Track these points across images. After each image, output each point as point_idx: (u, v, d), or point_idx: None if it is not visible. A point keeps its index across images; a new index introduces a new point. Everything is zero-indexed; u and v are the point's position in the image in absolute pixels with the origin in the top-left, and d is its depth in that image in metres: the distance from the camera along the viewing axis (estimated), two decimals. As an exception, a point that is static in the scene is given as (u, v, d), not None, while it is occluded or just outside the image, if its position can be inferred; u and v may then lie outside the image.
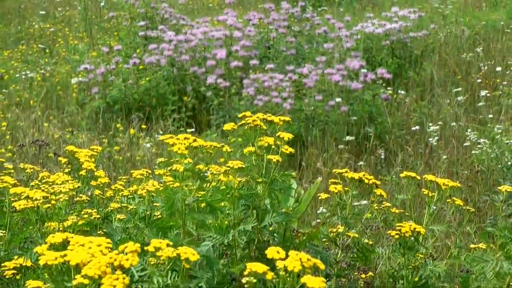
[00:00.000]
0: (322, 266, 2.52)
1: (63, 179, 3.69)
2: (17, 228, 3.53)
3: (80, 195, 3.69)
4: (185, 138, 3.12)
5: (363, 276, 3.67)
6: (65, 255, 2.48)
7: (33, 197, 3.31)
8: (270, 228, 3.33)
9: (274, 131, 3.34)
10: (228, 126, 3.45)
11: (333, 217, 3.48)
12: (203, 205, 3.22)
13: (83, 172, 3.80)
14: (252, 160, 3.24)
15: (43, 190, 3.50)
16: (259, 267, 2.49)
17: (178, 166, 3.09)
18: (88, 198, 3.73)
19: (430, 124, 8.52)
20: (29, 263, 3.05)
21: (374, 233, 5.01)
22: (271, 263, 2.52)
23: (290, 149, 3.34)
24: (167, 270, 2.58)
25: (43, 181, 3.86)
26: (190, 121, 9.18)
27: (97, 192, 3.85)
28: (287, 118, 3.39)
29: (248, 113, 3.32)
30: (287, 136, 3.30)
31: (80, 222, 3.42)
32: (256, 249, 3.25)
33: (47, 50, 12.78)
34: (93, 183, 3.83)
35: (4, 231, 3.46)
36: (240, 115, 3.33)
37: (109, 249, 2.55)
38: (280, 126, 3.34)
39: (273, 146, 3.27)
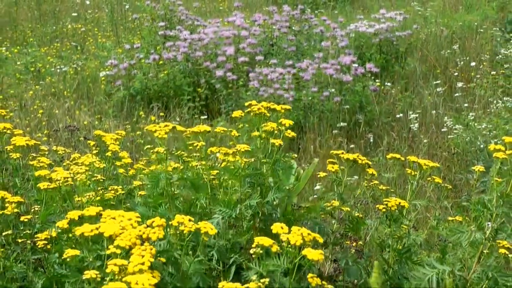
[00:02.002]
0: (320, 240, 2.51)
1: (91, 160, 3.68)
2: (51, 203, 3.52)
3: (96, 175, 3.67)
4: (165, 126, 3.12)
5: (354, 244, 3.66)
6: (99, 227, 2.47)
7: (55, 178, 3.29)
8: (275, 203, 3.32)
9: (277, 118, 3.33)
10: (236, 114, 3.44)
11: (329, 193, 3.48)
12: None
13: (109, 154, 3.80)
14: (257, 143, 3.23)
15: (71, 171, 3.48)
16: (266, 241, 2.48)
17: (160, 148, 3.09)
18: (111, 177, 3.72)
19: (412, 112, 8.50)
20: (54, 234, 3.03)
21: (363, 207, 5.00)
22: (275, 235, 2.51)
23: (292, 133, 3.33)
24: (187, 241, 2.57)
25: (74, 161, 3.86)
26: (203, 109, 9.16)
27: (121, 170, 3.84)
28: (288, 107, 3.38)
29: (254, 102, 3.31)
30: (288, 122, 3.29)
31: (106, 197, 3.41)
32: (260, 221, 3.24)
33: (78, 47, 12.75)
34: (117, 163, 3.82)
35: (39, 206, 3.45)
36: (246, 104, 3.31)
37: (138, 223, 2.54)
38: (282, 113, 3.33)
39: (276, 132, 3.26)
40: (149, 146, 3.89)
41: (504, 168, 2.88)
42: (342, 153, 3.42)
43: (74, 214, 2.61)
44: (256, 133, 3.24)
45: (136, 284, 2.14)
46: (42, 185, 3.25)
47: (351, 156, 3.39)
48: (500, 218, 2.86)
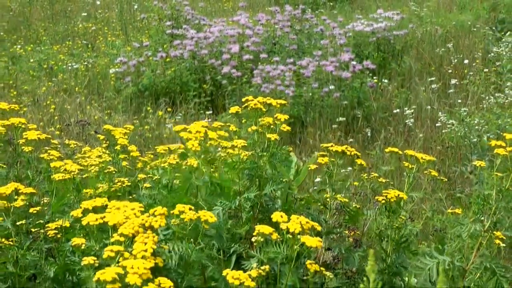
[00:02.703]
0: (319, 228, 2.49)
1: (100, 153, 3.67)
2: (61, 195, 3.50)
3: (109, 167, 3.65)
4: (196, 132, 3.05)
5: (352, 234, 3.63)
6: (104, 217, 2.47)
7: (70, 169, 3.28)
8: (276, 194, 3.29)
9: (274, 113, 3.30)
10: (233, 109, 3.40)
11: (325, 185, 3.44)
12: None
13: (118, 147, 3.78)
14: (255, 137, 3.19)
15: (82, 163, 3.47)
16: (266, 229, 2.48)
17: (192, 160, 3.03)
18: (120, 169, 3.70)
19: (407, 108, 8.47)
20: (67, 224, 3.03)
21: (362, 198, 4.97)
22: (275, 225, 2.49)
23: (287, 128, 3.30)
24: (188, 229, 2.55)
25: (85, 154, 3.84)
26: (208, 105, 9.14)
27: (124, 163, 3.82)
28: (283, 102, 3.33)
29: (250, 97, 3.27)
30: (284, 117, 3.26)
31: (113, 189, 3.39)
32: (259, 212, 3.21)
33: (89, 46, 12.72)
34: (121, 156, 3.79)
35: (49, 198, 3.44)
36: (243, 99, 3.27)
37: (141, 212, 2.53)
38: (277, 108, 3.28)
39: (272, 126, 3.22)
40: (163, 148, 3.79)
41: (502, 163, 2.85)
42: (332, 145, 3.38)
43: (88, 204, 2.60)
44: (254, 128, 3.20)
45: (132, 268, 2.14)
46: (57, 176, 3.24)
47: (339, 148, 3.34)
48: (499, 211, 2.83)
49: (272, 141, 3.15)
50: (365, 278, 1.73)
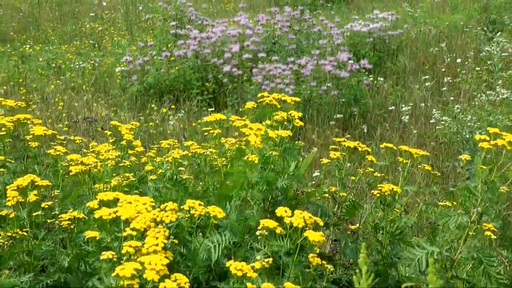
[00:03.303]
0: (321, 223, 2.51)
1: (107, 149, 3.68)
2: (68, 188, 3.52)
3: (124, 161, 3.68)
4: (257, 129, 3.07)
5: (351, 226, 3.65)
6: (117, 211, 2.47)
7: (86, 162, 3.30)
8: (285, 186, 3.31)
9: (285, 109, 3.32)
10: (249, 105, 3.41)
11: (329, 178, 3.46)
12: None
13: (123, 142, 3.79)
14: (268, 132, 3.20)
15: (93, 157, 3.49)
16: (271, 223, 2.49)
17: (253, 156, 3.02)
18: (130, 164, 3.72)
19: (403, 105, 8.48)
20: (81, 215, 3.04)
21: (358, 192, 4.99)
22: (280, 219, 2.51)
23: (300, 122, 3.32)
24: (198, 224, 2.56)
25: (93, 150, 3.86)
26: (211, 102, 9.15)
27: (133, 158, 3.84)
28: (297, 99, 3.36)
29: (265, 93, 3.29)
30: (298, 114, 3.29)
31: (123, 183, 3.41)
32: (270, 205, 3.22)
33: (96, 45, 12.73)
34: (130, 151, 3.82)
35: (58, 191, 3.45)
36: (259, 95, 3.28)
37: (152, 207, 2.54)
38: (291, 105, 3.31)
39: (285, 123, 3.25)
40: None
41: (488, 157, 2.87)
42: (344, 140, 3.41)
43: (103, 196, 2.61)
44: (268, 122, 3.22)
45: (149, 264, 2.14)
46: (74, 168, 3.26)
47: (352, 144, 3.37)
48: (485, 203, 2.85)
49: (286, 137, 3.17)
50: (357, 270, 1.75)
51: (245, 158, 3.05)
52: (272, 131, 3.14)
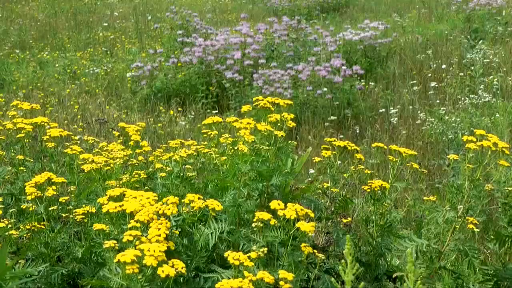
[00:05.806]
0: (312, 214, 2.50)
1: (118, 148, 3.68)
2: (83, 184, 3.53)
3: (132, 159, 3.67)
4: (247, 123, 3.08)
5: (343, 220, 3.64)
6: (122, 205, 2.48)
7: (97, 161, 3.30)
8: (278, 184, 3.30)
9: (280, 112, 3.31)
10: (245, 108, 3.41)
11: (322, 175, 3.45)
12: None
13: (131, 143, 3.79)
14: (263, 133, 3.20)
15: (104, 156, 3.48)
16: (265, 215, 2.48)
17: (243, 146, 3.04)
18: (138, 163, 3.70)
19: (392, 107, 8.47)
20: (93, 210, 3.04)
21: (350, 188, 4.98)
22: (274, 211, 2.50)
23: (293, 123, 3.31)
24: (198, 216, 2.55)
25: (103, 149, 3.85)
26: (214, 105, 9.15)
27: (140, 158, 3.83)
28: (290, 102, 3.35)
29: (260, 97, 3.28)
30: (290, 116, 3.28)
31: (132, 180, 3.40)
32: (265, 200, 3.21)
33: (108, 52, 12.72)
34: (138, 151, 3.81)
35: (74, 187, 3.45)
36: (254, 99, 3.29)
37: (155, 201, 2.54)
38: (284, 108, 3.31)
39: (279, 124, 3.24)
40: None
41: (473, 155, 2.86)
42: (335, 140, 3.40)
43: (112, 192, 2.61)
44: (263, 124, 3.21)
45: (149, 251, 2.16)
46: (86, 167, 3.27)
47: (341, 143, 3.36)
48: (471, 199, 2.84)
49: (279, 137, 3.17)
50: (343, 260, 1.74)
51: (236, 147, 3.06)
52: (262, 126, 3.14)
